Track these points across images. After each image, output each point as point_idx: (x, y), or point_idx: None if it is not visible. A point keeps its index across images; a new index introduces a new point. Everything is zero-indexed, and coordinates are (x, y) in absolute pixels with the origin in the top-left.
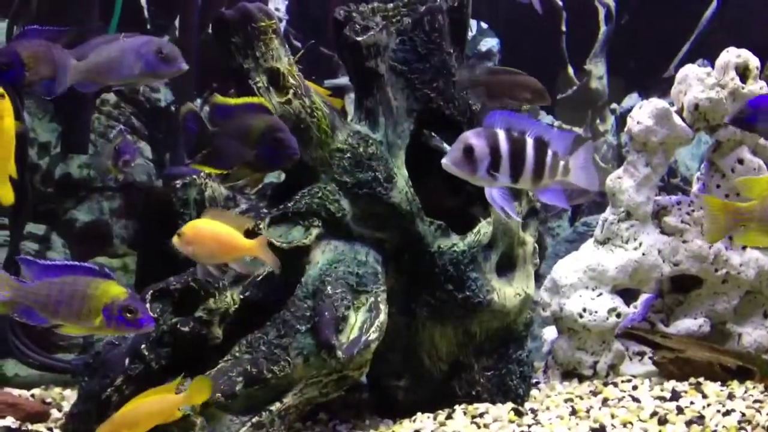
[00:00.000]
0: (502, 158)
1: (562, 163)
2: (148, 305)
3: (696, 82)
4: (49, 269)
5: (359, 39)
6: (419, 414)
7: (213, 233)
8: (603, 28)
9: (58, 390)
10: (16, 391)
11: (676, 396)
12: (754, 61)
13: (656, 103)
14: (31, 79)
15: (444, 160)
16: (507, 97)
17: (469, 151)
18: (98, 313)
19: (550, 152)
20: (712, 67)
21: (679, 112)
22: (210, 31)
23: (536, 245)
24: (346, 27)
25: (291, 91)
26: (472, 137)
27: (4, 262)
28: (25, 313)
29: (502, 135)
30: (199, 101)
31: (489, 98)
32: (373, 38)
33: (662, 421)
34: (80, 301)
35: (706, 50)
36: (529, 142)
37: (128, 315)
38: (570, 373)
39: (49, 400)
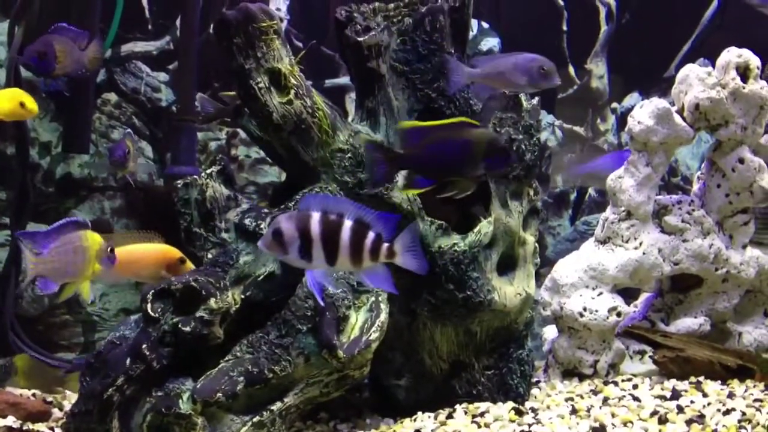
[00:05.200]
0: (313, 241)
1: (385, 245)
2: (149, 305)
3: (697, 81)
4: (48, 236)
5: (360, 39)
6: (420, 413)
7: None
8: (604, 27)
9: (59, 389)
10: (17, 391)
11: (676, 395)
12: (755, 61)
13: (657, 102)
14: (58, 73)
15: (259, 243)
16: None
17: (278, 234)
18: (94, 260)
19: (371, 234)
20: (713, 66)
21: (680, 112)
22: (211, 31)
23: (536, 244)
24: (348, 27)
25: (292, 91)
26: (283, 221)
27: (5, 262)
28: (42, 284)
29: (315, 218)
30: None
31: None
32: (375, 38)
33: (662, 420)
34: (82, 254)
35: (706, 50)
36: (347, 225)
37: (111, 254)
38: (570, 372)
39: (50, 399)
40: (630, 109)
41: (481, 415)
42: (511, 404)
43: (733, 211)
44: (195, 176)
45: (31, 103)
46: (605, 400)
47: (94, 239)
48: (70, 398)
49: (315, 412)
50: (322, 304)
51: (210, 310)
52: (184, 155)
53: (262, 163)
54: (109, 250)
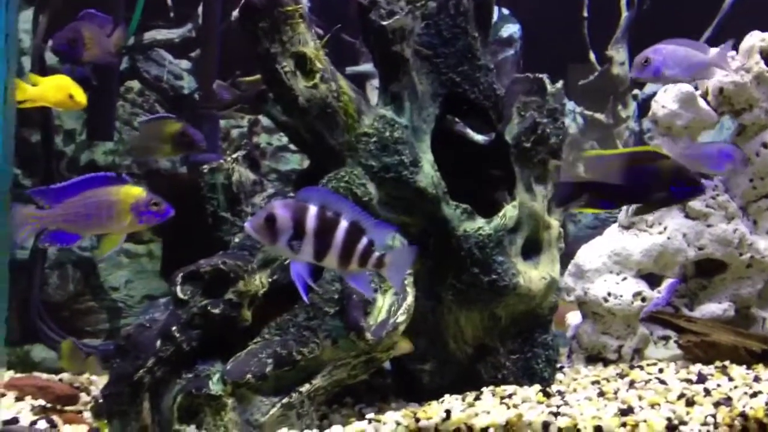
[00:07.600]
0: (306, 234)
1: (376, 254)
2: (179, 288)
3: None
4: (65, 190)
5: (385, 23)
6: (447, 396)
7: None
8: (625, 13)
9: (85, 375)
10: (44, 376)
11: (702, 379)
12: None
13: (681, 87)
14: (86, 59)
15: (246, 224)
16: None
17: (271, 220)
18: (127, 213)
19: (364, 240)
20: (736, 51)
21: (704, 96)
22: (232, 19)
23: (561, 229)
24: (372, 12)
25: (318, 75)
26: (278, 207)
27: (30, 250)
28: (54, 238)
29: (311, 211)
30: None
31: None
32: (399, 22)
33: (690, 403)
34: (108, 209)
35: (727, 35)
36: (342, 224)
37: (155, 207)
38: (594, 358)
39: (77, 384)
40: (651, 96)
41: (509, 396)
42: (537, 387)
43: (757, 196)
44: (221, 161)
45: (80, 96)
46: (632, 384)
47: (127, 193)
48: (96, 383)
49: (340, 396)
50: (305, 298)
51: (238, 292)
52: (207, 143)
53: (284, 151)
54: (152, 203)
